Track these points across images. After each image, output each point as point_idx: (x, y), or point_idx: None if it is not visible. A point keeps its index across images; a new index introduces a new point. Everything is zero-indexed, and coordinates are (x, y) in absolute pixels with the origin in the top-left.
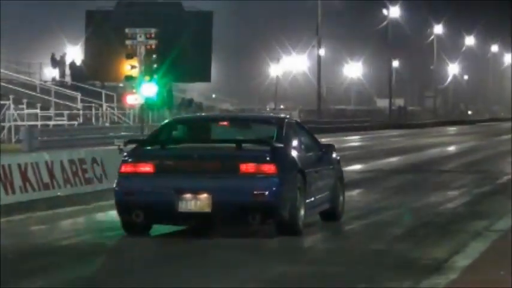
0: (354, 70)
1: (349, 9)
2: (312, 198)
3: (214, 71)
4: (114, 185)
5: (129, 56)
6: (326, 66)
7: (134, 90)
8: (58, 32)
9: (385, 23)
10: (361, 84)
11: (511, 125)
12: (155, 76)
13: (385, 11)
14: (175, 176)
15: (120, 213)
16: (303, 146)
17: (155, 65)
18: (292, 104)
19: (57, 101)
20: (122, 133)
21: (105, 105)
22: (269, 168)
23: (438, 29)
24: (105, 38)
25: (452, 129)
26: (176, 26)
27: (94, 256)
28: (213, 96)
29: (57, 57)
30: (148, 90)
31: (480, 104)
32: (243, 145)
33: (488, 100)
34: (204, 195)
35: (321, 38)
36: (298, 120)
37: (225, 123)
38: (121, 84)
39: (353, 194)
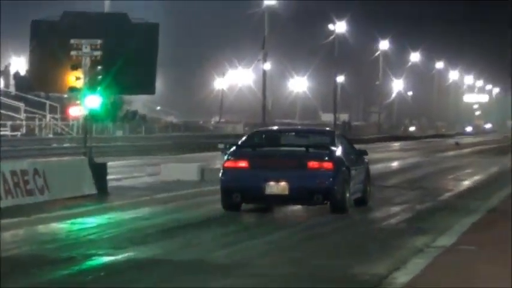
0: (299, 84)
1: (295, 23)
2: (352, 188)
3: (159, 83)
4: (220, 175)
5: (74, 67)
6: (272, 80)
7: (78, 102)
8: (2, 42)
9: (331, 38)
10: (306, 98)
11: (454, 142)
12: (99, 88)
13: (331, 26)
14: (263, 169)
15: (223, 195)
16: (346, 151)
17: (100, 77)
18: (237, 117)
19: (0, 111)
20: (65, 145)
21: (48, 116)
22: (328, 165)
23: (384, 44)
24: (50, 49)
25: (396, 145)
26: (122, 37)
27: (34, 268)
28: (158, 108)
29: (1, 68)
30: (92, 101)
31: (424, 120)
32: (310, 149)
33: (433, 116)
34: (283, 183)
35: (266, 51)
36: (342, 133)
37: (293, 133)
38: (65, 95)
39: (294, 207)
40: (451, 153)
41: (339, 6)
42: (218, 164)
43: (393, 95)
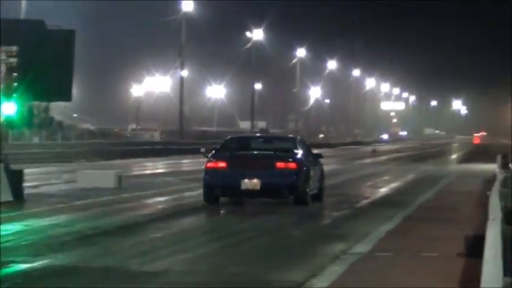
0: (217, 91)
1: (213, 30)
2: (311, 185)
3: (76, 90)
4: (203, 174)
5: None
6: (190, 87)
7: None
8: None
9: (248, 45)
10: (224, 105)
11: (371, 149)
12: (15, 95)
13: (249, 34)
14: (238, 169)
15: (205, 190)
16: (306, 154)
17: (15, 84)
18: (155, 124)
19: None
20: None
21: None
22: (292, 165)
23: (301, 52)
24: None
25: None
26: (38, 44)
27: None
28: (74, 115)
29: None
30: (8, 108)
31: (342, 127)
32: (277, 152)
33: (350, 123)
34: (256, 180)
35: (184, 58)
36: (302, 139)
37: (261, 140)
38: None
39: (213, 215)
40: (368, 160)
41: (256, 14)
42: (135, 171)
43: (311, 102)
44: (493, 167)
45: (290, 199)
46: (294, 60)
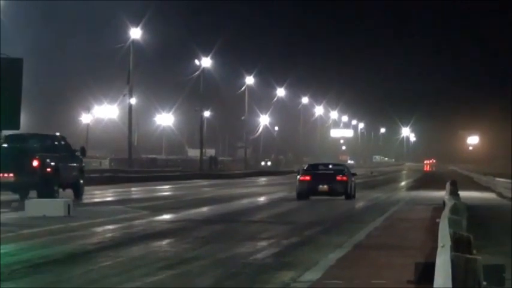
0: (165, 119)
1: (161, 58)
2: (352, 189)
3: (24, 118)
4: (297, 184)
5: None
6: (138, 114)
7: None
8: None
9: (197, 73)
10: (173, 133)
11: None
12: None
13: (197, 62)
14: (316, 180)
15: (299, 192)
16: (349, 173)
17: None
18: (103, 152)
19: None
20: None
21: None
22: (344, 178)
23: (250, 80)
24: None
25: (262, 180)
26: None
27: None
28: None
29: None
30: None
31: (291, 155)
32: (336, 171)
33: (299, 151)
34: (326, 186)
35: (132, 86)
36: (345, 164)
37: (326, 165)
38: None
39: (162, 243)
40: None
41: (204, 41)
42: (84, 199)
43: (259, 130)
44: (442, 194)
45: (343, 197)
46: (243, 88)
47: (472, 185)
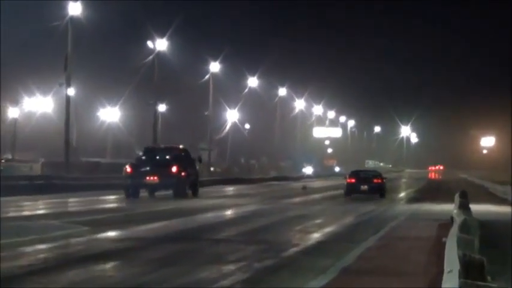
0: (111, 114)
1: (107, 39)
2: (385, 189)
3: None
4: (345, 184)
5: None
6: (77, 108)
7: None
8: None
9: (150, 57)
10: (120, 132)
11: (301, 185)
12: None
13: (150, 44)
14: (359, 182)
15: (346, 191)
16: (382, 176)
17: None
18: (34, 155)
19: None
20: None
21: None
22: (380, 180)
23: (215, 66)
24: None
25: (231, 189)
26: None
27: None
28: None
29: None
30: None
31: (264, 159)
32: (374, 174)
33: (275, 154)
34: (366, 186)
35: (70, 73)
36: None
37: (366, 171)
38: None
39: (106, 267)
40: (297, 199)
41: (161, 20)
42: (10, 212)
43: (226, 128)
44: (450, 208)
45: (378, 196)
46: (207, 76)
47: (486, 197)
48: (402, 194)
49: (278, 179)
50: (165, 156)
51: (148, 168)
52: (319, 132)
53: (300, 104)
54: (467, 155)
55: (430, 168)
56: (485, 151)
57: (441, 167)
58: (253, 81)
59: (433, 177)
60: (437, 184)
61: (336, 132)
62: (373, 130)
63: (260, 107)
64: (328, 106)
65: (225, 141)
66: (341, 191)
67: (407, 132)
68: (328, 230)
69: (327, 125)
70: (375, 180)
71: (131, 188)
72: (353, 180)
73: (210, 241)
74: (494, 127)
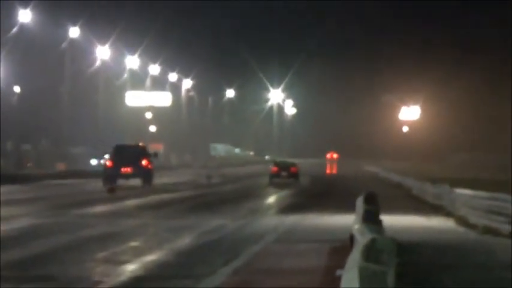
0: None
1: None
2: None
3: None
4: (269, 173)
5: None
6: None
7: None
8: None
9: None
10: None
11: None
12: None
13: None
14: (280, 169)
15: (270, 178)
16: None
17: None
18: None
19: None
20: None
21: None
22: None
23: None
24: None
25: None
26: None
27: None
28: None
29: None
30: None
31: (46, 143)
32: (292, 162)
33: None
34: (285, 173)
35: None
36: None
37: (287, 161)
38: None
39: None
40: (100, 208)
41: None
42: None
43: None
44: (349, 221)
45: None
46: None
47: (407, 202)
48: (272, 199)
49: (67, 176)
50: (133, 152)
51: (122, 161)
52: (135, 98)
53: (105, 52)
54: (378, 137)
55: (327, 156)
56: (406, 128)
57: (334, 155)
58: (26, 15)
59: (330, 171)
60: (330, 182)
61: (164, 99)
62: (224, 95)
63: (41, 58)
64: (152, 57)
65: None
66: (177, 195)
67: (278, 97)
68: (149, 258)
69: (147, 87)
70: (292, 169)
71: (110, 178)
72: (276, 169)
73: None
74: (420, 91)
